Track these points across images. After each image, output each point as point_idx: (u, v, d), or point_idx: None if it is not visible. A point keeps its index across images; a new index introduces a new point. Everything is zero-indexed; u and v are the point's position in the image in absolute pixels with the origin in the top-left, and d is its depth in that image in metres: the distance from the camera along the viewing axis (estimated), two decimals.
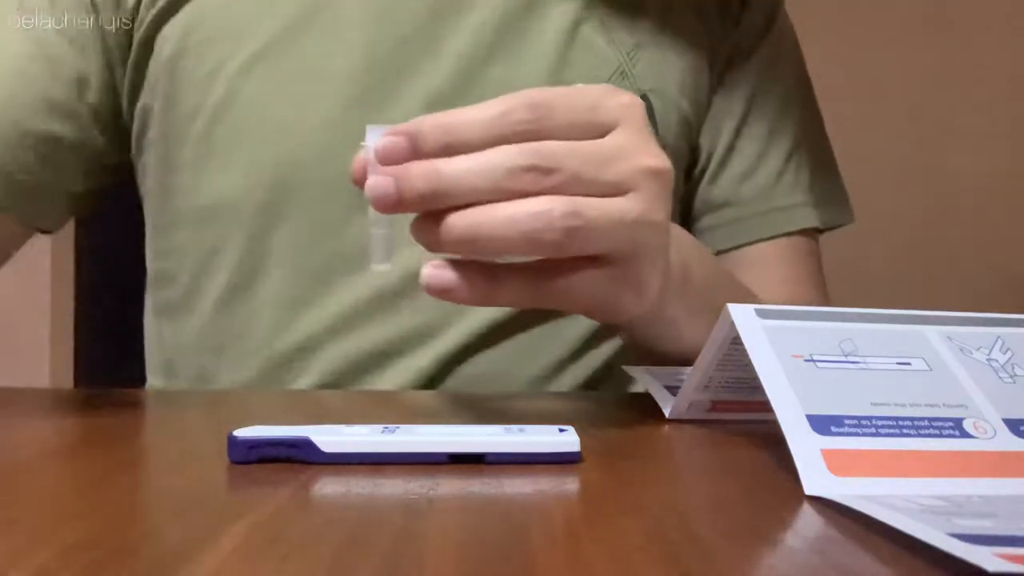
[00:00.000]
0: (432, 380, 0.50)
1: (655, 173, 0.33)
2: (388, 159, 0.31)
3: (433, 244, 0.31)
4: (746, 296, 0.51)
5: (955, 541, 0.18)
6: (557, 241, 0.30)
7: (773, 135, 0.60)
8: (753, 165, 0.60)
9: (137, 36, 0.52)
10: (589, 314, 0.36)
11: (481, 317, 0.50)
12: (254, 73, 0.50)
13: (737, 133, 0.60)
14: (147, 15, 0.51)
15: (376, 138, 0.31)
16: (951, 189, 2.00)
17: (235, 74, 0.50)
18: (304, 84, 0.50)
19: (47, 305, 2.19)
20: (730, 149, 0.60)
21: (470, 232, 0.30)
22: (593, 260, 0.33)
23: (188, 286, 0.53)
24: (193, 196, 0.52)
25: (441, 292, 0.32)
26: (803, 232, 0.60)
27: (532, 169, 0.30)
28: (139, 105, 0.53)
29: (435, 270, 0.32)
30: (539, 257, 0.33)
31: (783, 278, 0.59)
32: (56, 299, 2.22)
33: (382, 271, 0.34)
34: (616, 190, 0.32)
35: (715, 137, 0.60)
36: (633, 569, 0.18)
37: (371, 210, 0.32)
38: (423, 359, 0.50)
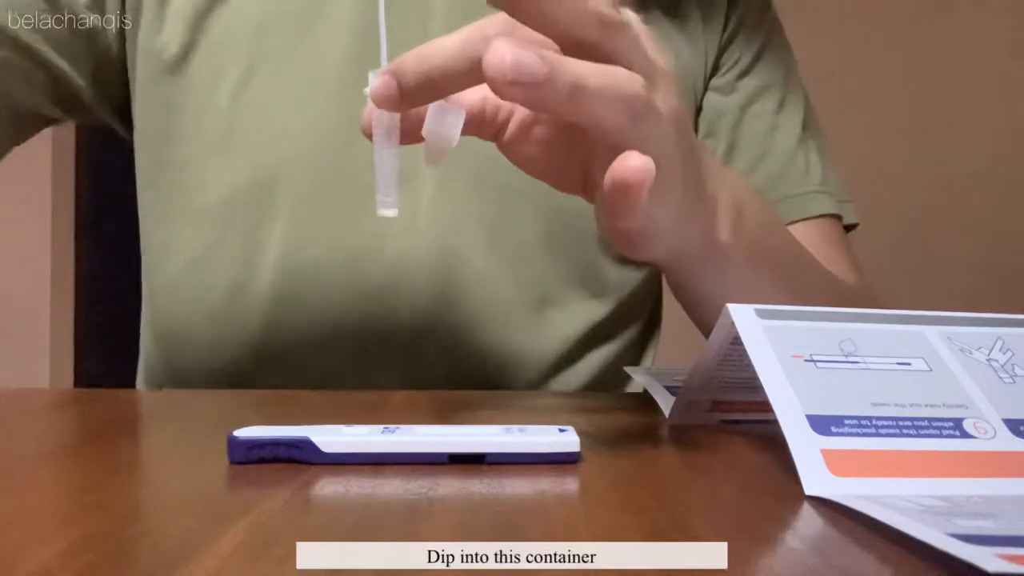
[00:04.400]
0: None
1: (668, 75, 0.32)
2: (381, 99, 0.30)
3: (524, 86, 0.27)
4: (803, 253, 0.47)
5: (955, 541, 0.18)
6: (643, 98, 0.29)
7: (774, 131, 0.60)
8: (757, 159, 0.59)
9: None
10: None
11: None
12: (254, 78, 0.51)
13: (735, 131, 0.60)
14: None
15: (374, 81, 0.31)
16: (951, 189, 2.00)
17: (237, 79, 0.51)
18: (297, 88, 0.51)
19: (47, 305, 2.19)
20: (731, 147, 0.60)
21: (578, 81, 0.27)
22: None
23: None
24: (191, 194, 0.52)
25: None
26: (822, 218, 0.59)
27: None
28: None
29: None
30: (605, 128, 0.29)
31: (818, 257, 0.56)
32: (56, 299, 2.22)
33: (389, 215, 0.32)
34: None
35: (713, 140, 0.59)
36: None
37: (379, 139, 0.31)
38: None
